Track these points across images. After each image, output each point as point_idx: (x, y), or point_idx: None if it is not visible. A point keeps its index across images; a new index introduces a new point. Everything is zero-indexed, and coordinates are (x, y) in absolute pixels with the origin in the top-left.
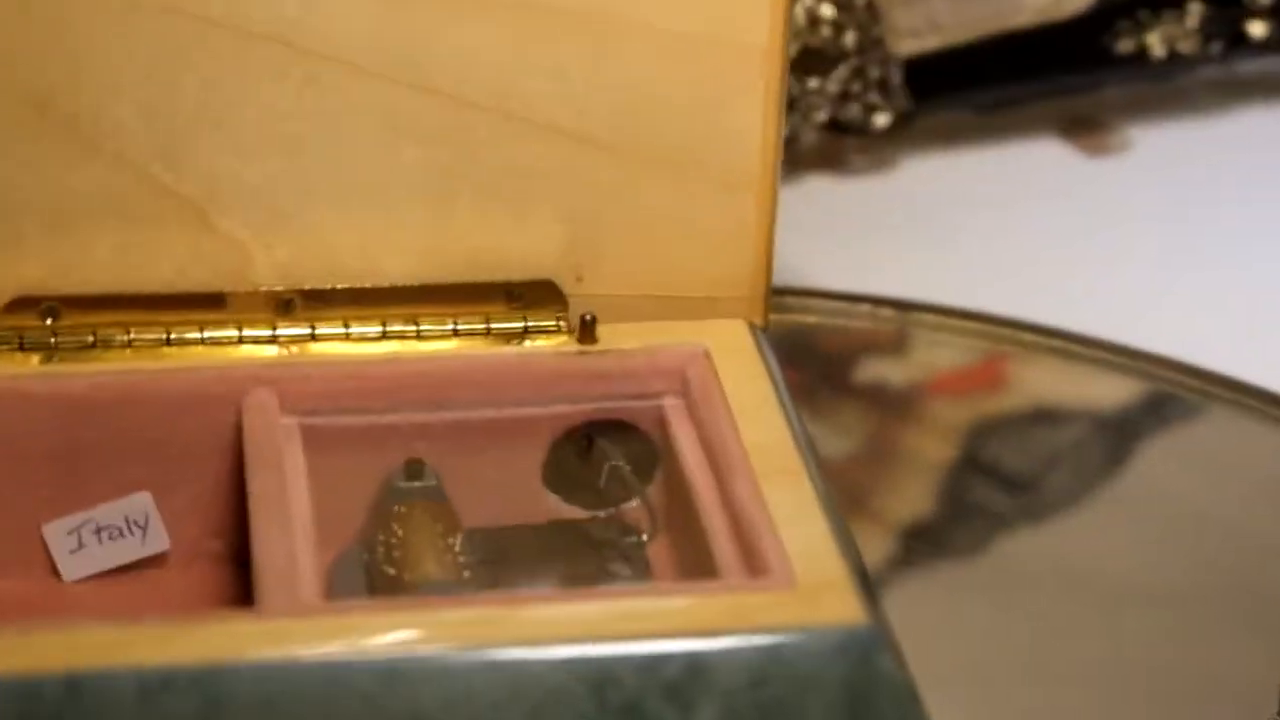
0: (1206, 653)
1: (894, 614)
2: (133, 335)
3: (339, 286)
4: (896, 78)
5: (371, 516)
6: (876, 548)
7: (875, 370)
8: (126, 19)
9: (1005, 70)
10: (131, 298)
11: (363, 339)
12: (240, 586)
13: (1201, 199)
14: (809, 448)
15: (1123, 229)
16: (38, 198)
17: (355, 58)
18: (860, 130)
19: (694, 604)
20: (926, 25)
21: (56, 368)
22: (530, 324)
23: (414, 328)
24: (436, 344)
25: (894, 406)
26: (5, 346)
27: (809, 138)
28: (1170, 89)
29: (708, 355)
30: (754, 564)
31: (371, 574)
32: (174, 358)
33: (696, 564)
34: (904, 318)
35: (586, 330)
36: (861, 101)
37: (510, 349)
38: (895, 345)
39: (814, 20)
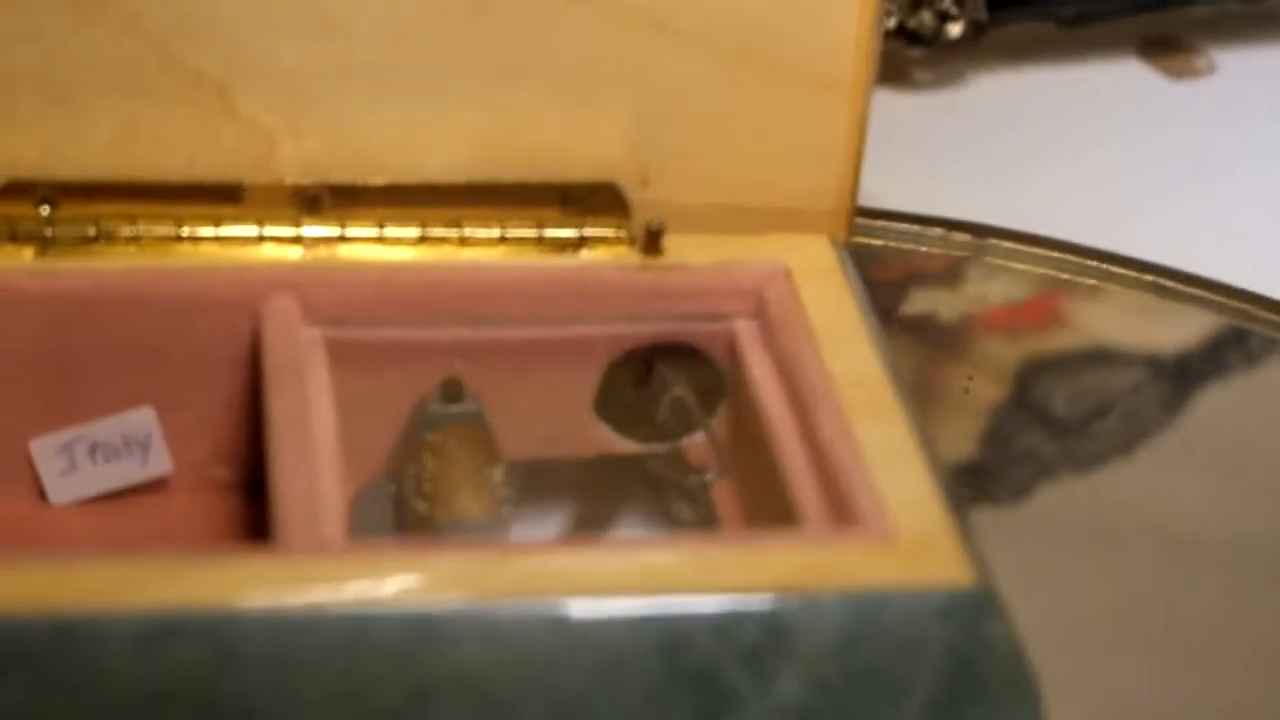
0: (1259, 603)
1: None
2: (139, 229)
3: (373, 183)
4: None
5: (402, 444)
6: None
7: (926, 302)
8: None
9: None
10: (138, 186)
11: (398, 242)
12: (249, 519)
13: None
14: (901, 383)
15: (1204, 157)
16: (34, 64)
17: None
18: (930, 40)
19: (775, 556)
20: None
21: (52, 263)
22: (588, 232)
23: (456, 232)
24: (481, 251)
25: (942, 342)
26: None
27: None
28: (1259, 10)
29: (789, 274)
30: (842, 512)
31: (400, 509)
32: (185, 256)
33: (770, 510)
34: (979, 244)
35: (651, 241)
36: (935, 8)
37: (564, 259)
38: (949, 276)
39: None
